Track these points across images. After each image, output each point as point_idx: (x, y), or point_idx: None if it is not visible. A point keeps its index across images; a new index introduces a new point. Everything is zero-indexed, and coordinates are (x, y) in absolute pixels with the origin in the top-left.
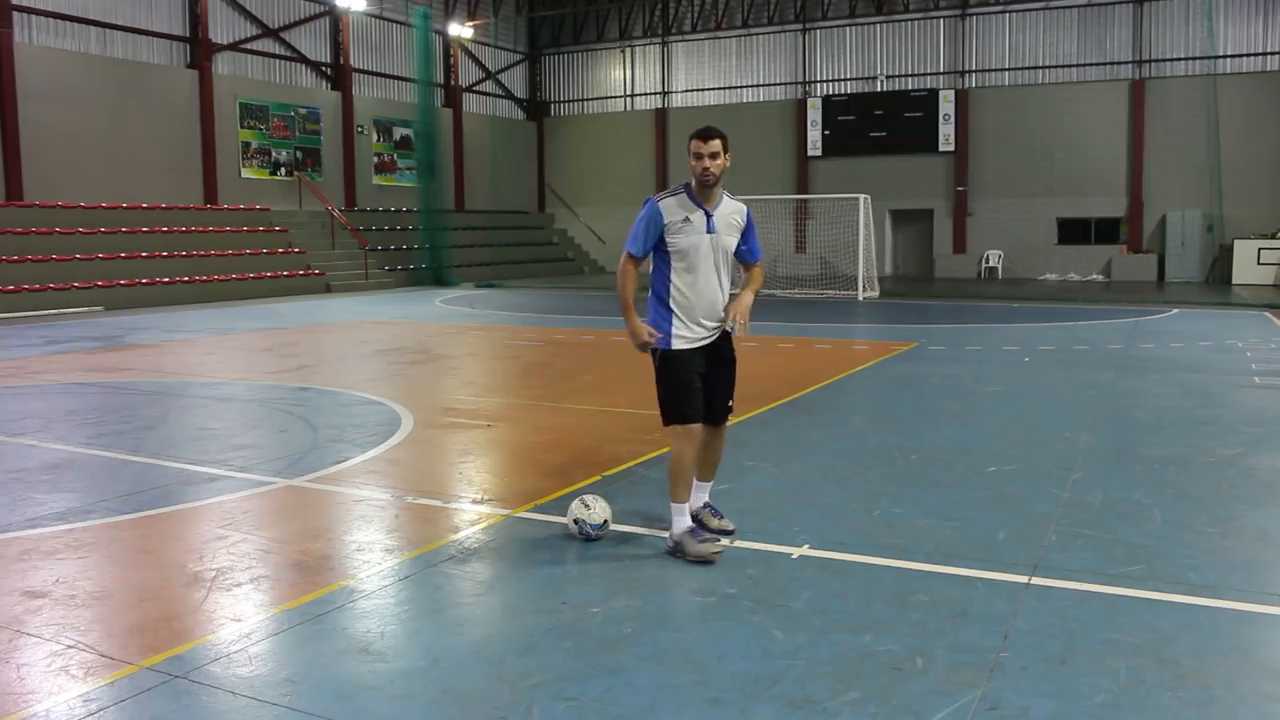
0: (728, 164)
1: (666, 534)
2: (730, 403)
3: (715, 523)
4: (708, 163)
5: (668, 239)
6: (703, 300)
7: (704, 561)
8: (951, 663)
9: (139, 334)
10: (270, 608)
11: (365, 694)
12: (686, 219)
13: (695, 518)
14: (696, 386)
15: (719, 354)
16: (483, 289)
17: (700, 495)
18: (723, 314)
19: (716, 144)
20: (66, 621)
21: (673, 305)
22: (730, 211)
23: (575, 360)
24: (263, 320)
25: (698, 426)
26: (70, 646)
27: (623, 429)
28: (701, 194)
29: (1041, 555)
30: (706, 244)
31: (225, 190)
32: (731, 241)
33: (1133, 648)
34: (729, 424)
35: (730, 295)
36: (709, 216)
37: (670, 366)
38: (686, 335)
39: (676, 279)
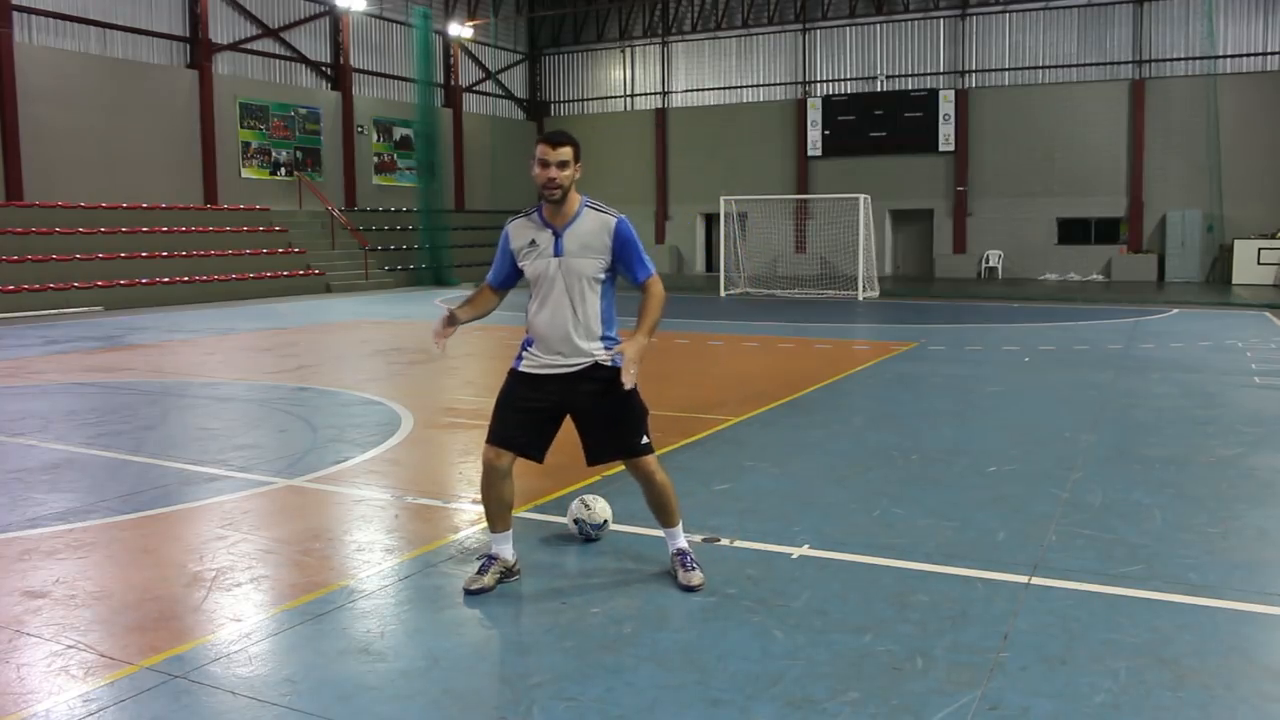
0: (578, 175)
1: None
2: (640, 439)
3: (681, 575)
4: (554, 172)
5: (520, 265)
6: (554, 332)
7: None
8: (951, 663)
9: (139, 334)
10: (270, 608)
11: (365, 694)
12: (533, 242)
13: (670, 569)
14: (514, 413)
15: (592, 384)
16: None
17: (670, 542)
18: (582, 347)
19: (566, 151)
20: (66, 621)
21: (529, 330)
22: (589, 229)
23: None
24: (263, 320)
25: (492, 450)
26: (70, 646)
27: None
28: (550, 210)
29: (1041, 555)
30: (554, 268)
31: (225, 190)
32: (590, 265)
33: (1133, 648)
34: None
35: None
36: (557, 238)
37: (508, 383)
38: (533, 360)
39: (530, 308)
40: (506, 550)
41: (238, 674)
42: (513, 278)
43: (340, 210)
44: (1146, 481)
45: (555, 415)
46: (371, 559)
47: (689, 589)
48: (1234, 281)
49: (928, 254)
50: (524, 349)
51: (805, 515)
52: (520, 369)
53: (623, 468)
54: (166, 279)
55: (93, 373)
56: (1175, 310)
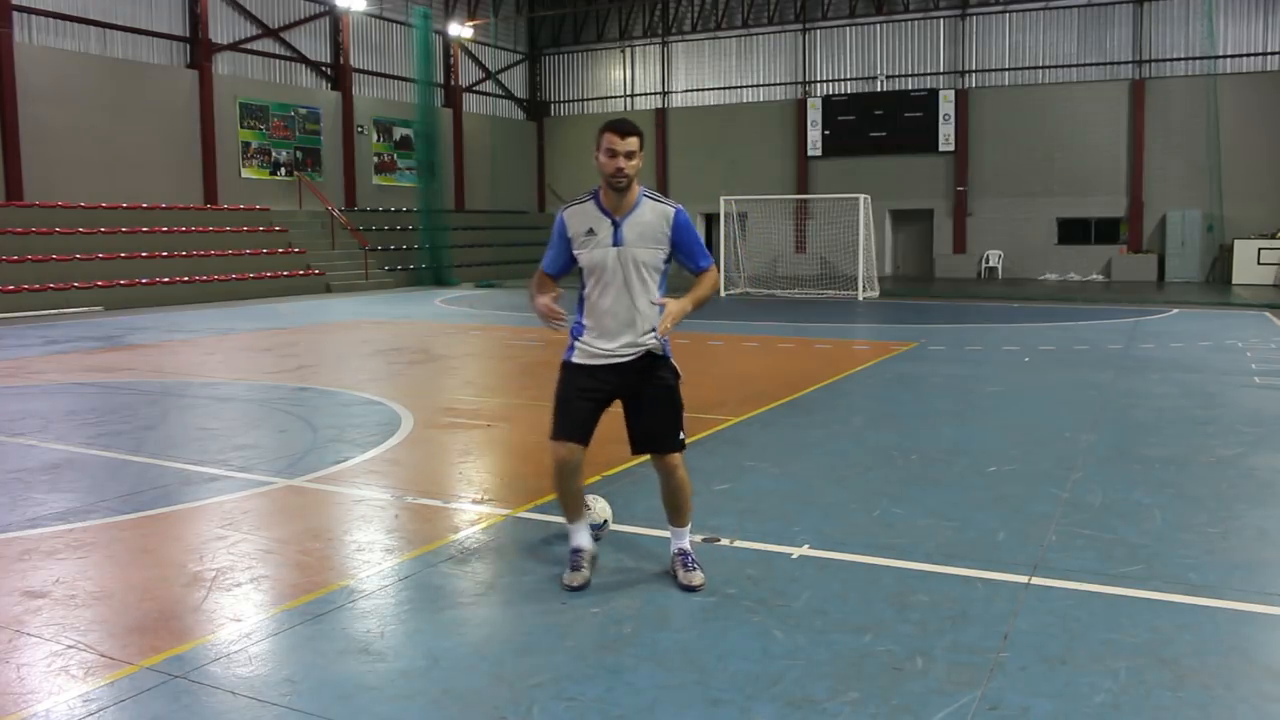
0: (640, 165)
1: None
2: (678, 436)
3: (682, 575)
4: (622, 162)
5: (575, 253)
6: (613, 321)
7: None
8: (951, 663)
9: (139, 334)
10: (270, 608)
11: (365, 694)
12: (590, 230)
13: (670, 569)
14: (578, 405)
15: (647, 377)
16: (483, 289)
17: (675, 541)
18: (639, 337)
19: (634, 141)
20: (66, 621)
21: (584, 320)
22: (649, 219)
23: None
24: (263, 320)
25: (564, 446)
26: (70, 646)
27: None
28: (610, 199)
29: (1041, 555)
30: (613, 259)
31: (225, 190)
32: (650, 255)
33: (1133, 648)
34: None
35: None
36: (616, 226)
37: (566, 376)
38: (588, 350)
39: (587, 298)
40: (585, 538)
41: (238, 674)
42: (569, 265)
43: (340, 210)
44: (1146, 481)
45: (607, 402)
46: (371, 559)
47: (690, 589)
48: (1234, 281)
49: (928, 254)
50: (575, 339)
51: (805, 515)
52: (574, 361)
53: (622, 468)
54: (166, 279)
55: (93, 373)
56: (1175, 310)
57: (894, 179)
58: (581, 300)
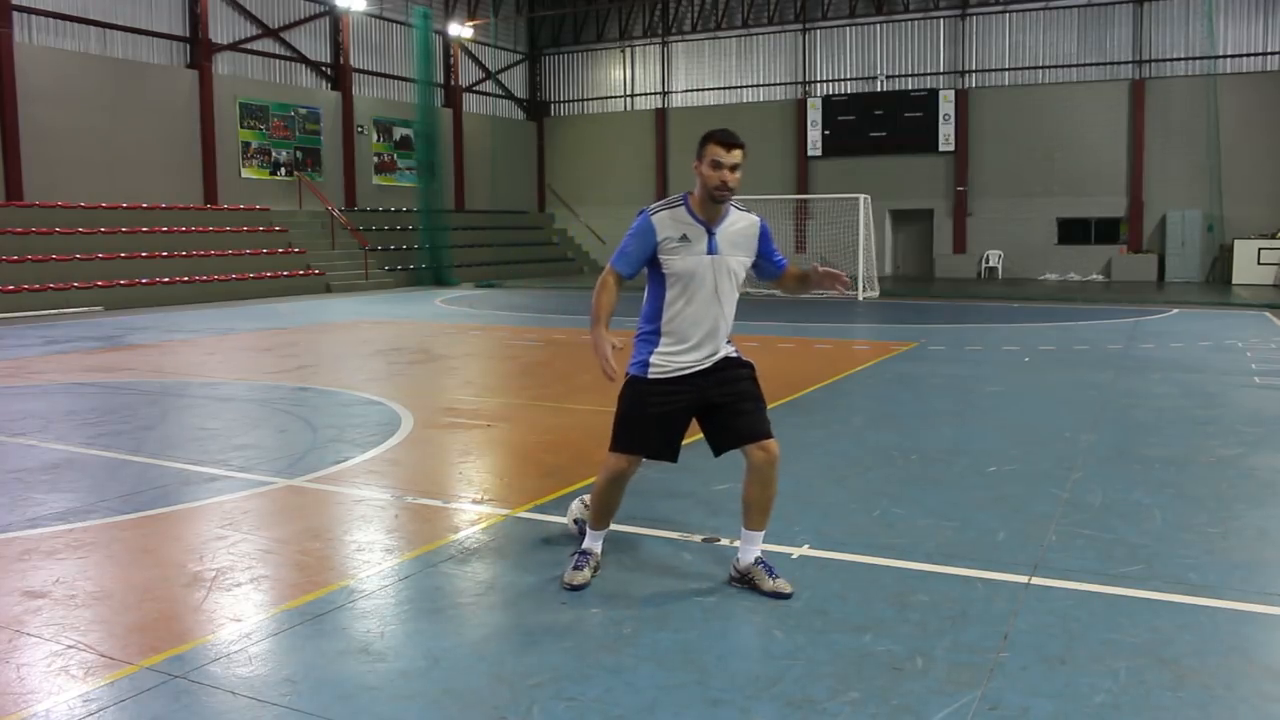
0: (741, 178)
1: (676, 535)
2: (767, 419)
3: (770, 584)
4: (727, 175)
5: (661, 259)
6: (698, 331)
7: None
8: (951, 663)
9: (139, 334)
10: (270, 608)
11: (365, 694)
12: (684, 237)
13: (746, 576)
14: (653, 421)
15: (727, 378)
16: (483, 289)
17: (751, 548)
18: (720, 345)
19: (739, 154)
20: (66, 621)
21: (662, 330)
22: (739, 227)
23: (575, 360)
24: (263, 320)
25: (625, 459)
26: (70, 646)
27: None
28: (706, 209)
29: (1041, 555)
30: (707, 266)
31: (225, 190)
32: (739, 263)
33: (1133, 648)
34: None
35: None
36: (711, 235)
37: (636, 392)
38: (665, 365)
39: (669, 306)
40: (599, 546)
41: (238, 674)
42: (641, 269)
43: (340, 210)
44: (1146, 481)
45: (690, 411)
46: (371, 559)
47: (784, 596)
48: (1234, 281)
49: (928, 254)
50: (650, 354)
51: (805, 515)
52: (652, 376)
53: None
54: (166, 279)
55: (93, 373)
56: (1175, 310)
57: (894, 179)
58: (658, 310)
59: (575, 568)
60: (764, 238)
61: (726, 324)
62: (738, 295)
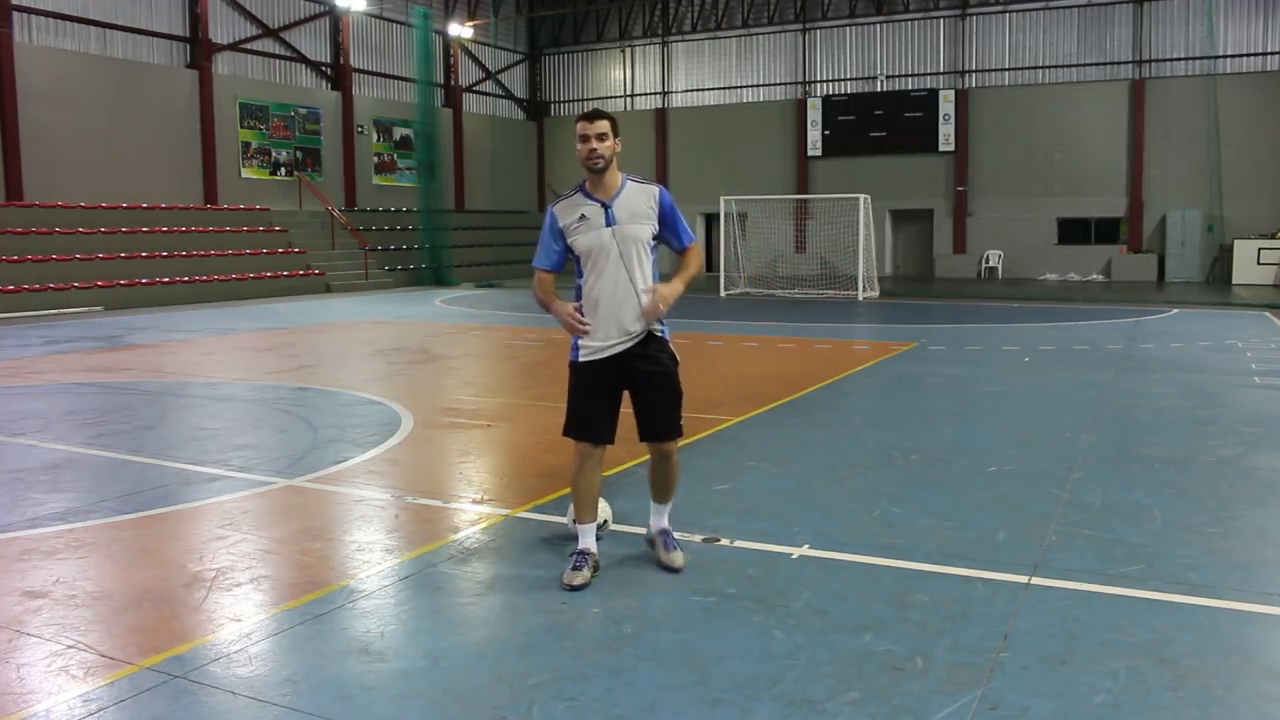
0: (618, 148)
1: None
2: (677, 423)
3: (663, 555)
4: (595, 144)
5: (570, 241)
6: (611, 303)
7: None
8: (951, 663)
9: (139, 334)
10: (270, 608)
11: (365, 694)
12: (582, 216)
13: (649, 541)
14: (595, 403)
15: (646, 361)
16: (483, 289)
17: (656, 519)
18: (639, 317)
19: (603, 124)
20: (66, 621)
21: (584, 310)
22: (636, 198)
23: None
24: (263, 320)
25: (588, 446)
26: (70, 646)
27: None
28: (594, 185)
29: (1041, 555)
30: (608, 238)
31: (225, 190)
32: (641, 229)
33: (1133, 648)
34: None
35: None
36: (606, 208)
37: (574, 378)
38: (592, 345)
39: (585, 282)
40: (592, 541)
41: (238, 674)
42: (564, 258)
43: (340, 210)
44: (1146, 481)
45: (618, 392)
46: (371, 559)
47: (671, 569)
48: (1234, 281)
49: (928, 254)
50: (578, 338)
51: (805, 515)
52: (580, 360)
53: (622, 468)
54: (166, 279)
55: (93, 373)
56: (1175, 310)
57: (894, 179)
58: (579, 291)
59: (574, 568)
60: (665, 208)
61: (640, 294)
62: (650, 266)
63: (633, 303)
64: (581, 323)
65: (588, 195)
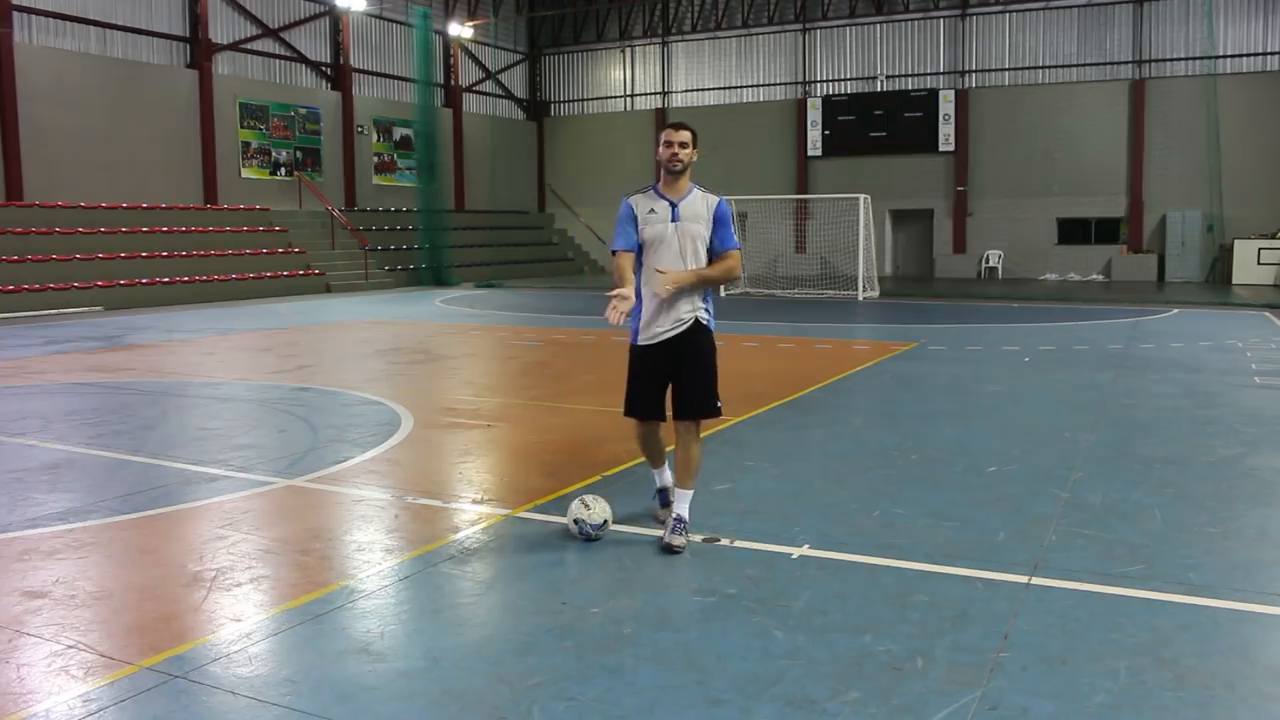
0: (695, 158)
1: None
2: (712, 401)
3: (667, 535)
4: (676, 150)
5: (640, 228)
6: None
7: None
8: (951, 663)
9: (139, 334)
10: (270, 608)
11: (365, 694)
12: (652, 210)
13: (658, 518)
14: (646, 387)
15: (688, 345)
16: (483, 289)
17: (678, 503)
18: (691, 305)
19: (687, 134)
20: (66, 621)
21: (641, 291)
22: (698, 203)
23: (575, 360)
24: (263, 320)
25: (640, 426)
26: (70, 646)
27: (623, 429)
28: (668, 185)
29: (1041, 555)
30: (671, 232)
31: (225, 190)
32: (698, 228)
33: (1133, 648)
34: (711, 427)
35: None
36: (674, 206)
37: (632, 362)
38: (646, 332)
39: (644, 268)
40: (668, 477)
41: (238, 674)
42: (637, 241)
43: (340, 210)
44: (1146, 481)
45: (667, 374)
46: (371, 559)
47: (669, 550)
48: (1234, 281)
49: (928, 254)
50: (635, 319)
51: (805, 515)
52: (637, 344)
53: (622, 468)
54: (166, 279)
55: (93, 373)
56: (1175, 310)
57: (894, 179)
58: (639, 276)
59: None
60: (718, 214)
61: (692, 289)
62: (705, 260)
63: (686, 293)
64: (612, 307)
65: (659, 194)
